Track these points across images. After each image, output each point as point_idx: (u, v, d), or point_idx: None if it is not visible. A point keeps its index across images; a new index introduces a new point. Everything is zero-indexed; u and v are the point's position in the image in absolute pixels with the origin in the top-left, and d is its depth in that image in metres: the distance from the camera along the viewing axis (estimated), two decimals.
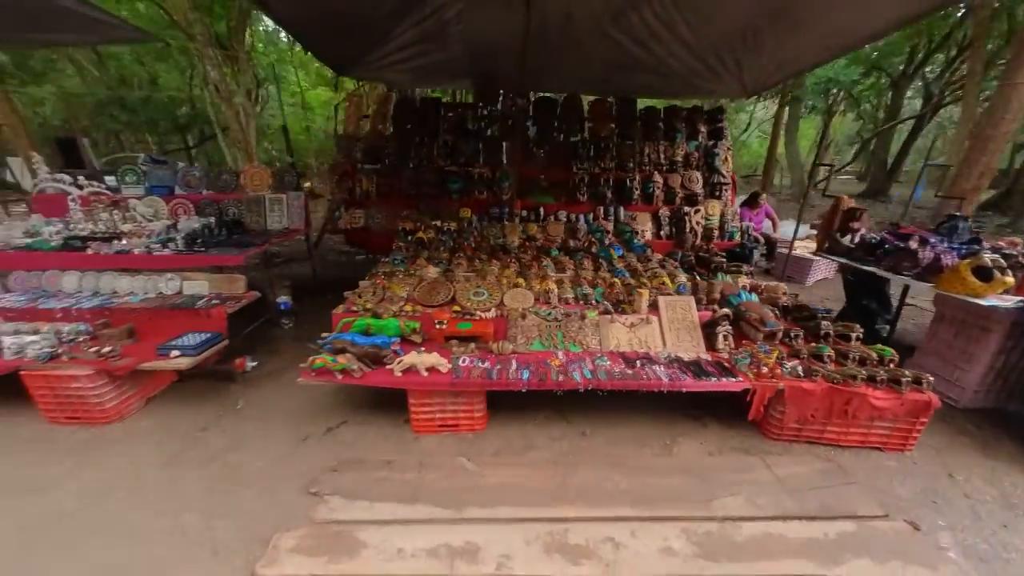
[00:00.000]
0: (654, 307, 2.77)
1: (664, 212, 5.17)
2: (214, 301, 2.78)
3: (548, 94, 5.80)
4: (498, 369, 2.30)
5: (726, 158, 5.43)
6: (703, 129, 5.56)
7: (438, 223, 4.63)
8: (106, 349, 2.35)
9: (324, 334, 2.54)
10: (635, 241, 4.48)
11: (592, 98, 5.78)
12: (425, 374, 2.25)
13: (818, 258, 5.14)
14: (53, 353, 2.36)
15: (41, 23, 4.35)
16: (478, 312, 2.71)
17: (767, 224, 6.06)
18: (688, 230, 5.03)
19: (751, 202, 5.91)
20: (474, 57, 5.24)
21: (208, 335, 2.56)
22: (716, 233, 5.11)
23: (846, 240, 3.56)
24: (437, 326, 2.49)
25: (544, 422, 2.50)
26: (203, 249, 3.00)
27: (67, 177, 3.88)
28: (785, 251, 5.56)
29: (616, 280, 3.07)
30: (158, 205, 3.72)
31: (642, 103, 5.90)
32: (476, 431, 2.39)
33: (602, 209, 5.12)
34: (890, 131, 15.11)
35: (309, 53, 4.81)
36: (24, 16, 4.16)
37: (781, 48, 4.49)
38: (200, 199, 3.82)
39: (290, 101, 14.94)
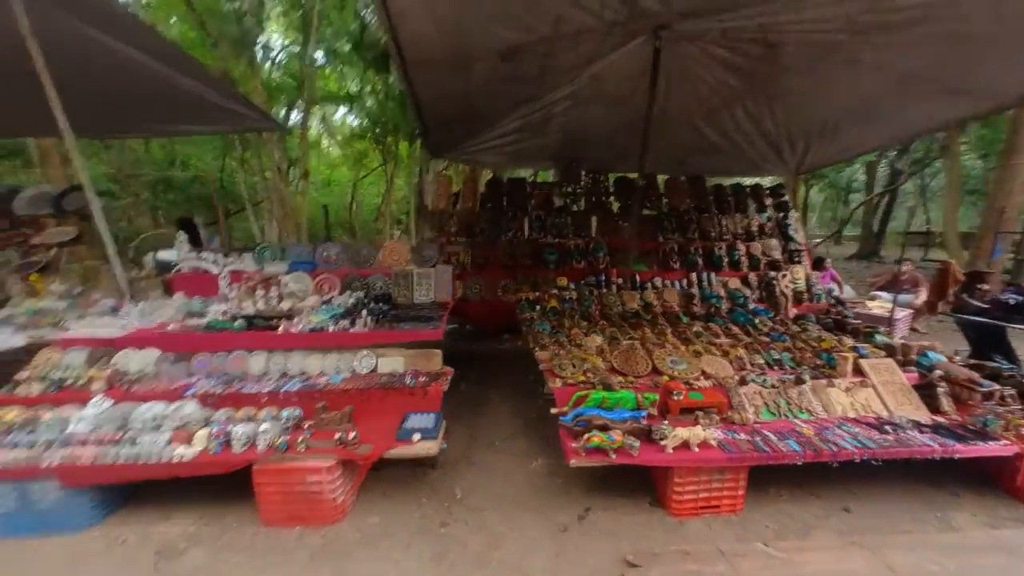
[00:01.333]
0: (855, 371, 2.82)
1: (752, 277, 5.44)
2: (422, 379, 2.67)
3: (626, 174, 6.33)
4: (761, 440, 2.25)
5: (796, 227, 5.91)
6: (769, 202, 6.10)
7: (556, 292, 4.73)
8: (351, 436, 2.19)
9: (556, 409, 2.46)
10: (754, 307, 4.65)
11: (665, 176, 6.34)
12: (696, 449, 2.16)
13: (897, 316, 5.41)
14: (286, 443, 2.18)
15: (190, 116, 4.66)
16: (690, 380, 2.69)
17: (833, 287, 6.42)
18: (779, 293, 5.26)
19: (817, 266, 6.30)
20: (566, 143, 5.80)
21: (434, 415, 2.43)
22: (805, 296, 5.36)
23: (975, 300, 3.81)
24: (675, 397, 2.45)
25: (792, 498, 2.38)
26: (394, 325, 2.96)
27: (210, 255, 3.88)
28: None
29: (810, 345, 3.15)
30: (305, 281, 3.71)
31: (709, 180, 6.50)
32: (737, 512, 2.25)
33: (695, 276, 5.35)
34: (871, 201, 16.78)
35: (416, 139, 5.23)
36: (177, 109, 4.46)
37: (849, 136, 5.17)
38: (345, 274, 3.83)
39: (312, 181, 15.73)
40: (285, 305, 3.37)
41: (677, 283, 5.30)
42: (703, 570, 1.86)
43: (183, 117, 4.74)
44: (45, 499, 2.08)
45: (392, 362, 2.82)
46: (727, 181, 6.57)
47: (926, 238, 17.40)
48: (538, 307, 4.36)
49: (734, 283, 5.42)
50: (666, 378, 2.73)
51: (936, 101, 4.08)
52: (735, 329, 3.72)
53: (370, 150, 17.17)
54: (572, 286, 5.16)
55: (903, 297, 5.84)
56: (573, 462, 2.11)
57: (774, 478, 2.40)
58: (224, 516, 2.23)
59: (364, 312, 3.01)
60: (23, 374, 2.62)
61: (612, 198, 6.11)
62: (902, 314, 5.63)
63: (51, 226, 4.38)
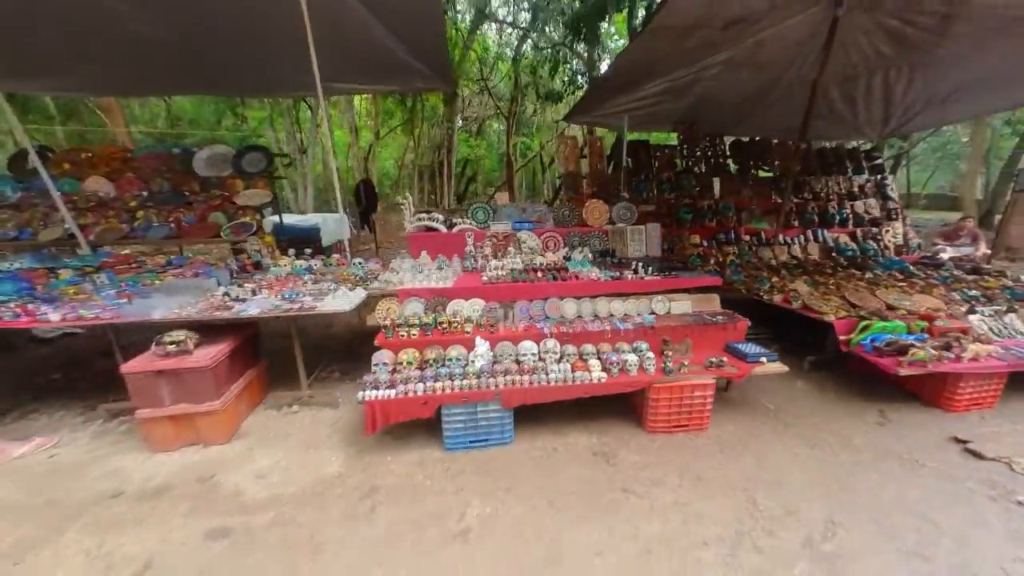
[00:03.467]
0: None
1: (858, 233, 6.08)
2: (719, 317, 3.14)
3: (740, 137, 6.69)
4: (1013, 354, 2.87)
5: (893, 187, 6.54)
6: (866, 165, 6.68)
7: (691, 247, 5.22)
8: (713, 360, 2.66)
9: (844, 336, 3.00)
10: (890, 257, 5.31)
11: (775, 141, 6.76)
12: (982, 360, 2.77)
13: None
14: (662, 367, 2.62)
15: (376, 72, 4.62)
16: (930, 312, 3.29)
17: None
18: (884, 247, 5.95)
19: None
20: (693, 107, 6.07)
21: (755, 344, 2.92)
22: (904, 249, 6.08)
23: None
24: (940, 323, 3.04)
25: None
26: (675, 274, 3.38)
27: (439, 216, 4.09)
28: None
29: (981, 285, 3.80)
30: (535, 239, 4.01)
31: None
32: (993, 407, 2.91)
33: (811, 232, 5.94)
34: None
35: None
36: (365, 65, 4.43)
37: (959, 105, 5.71)
38: (567, 232, 4.15)
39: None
40: (543, 260, 3.69)
41: (796, 239, 5.88)
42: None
43: (367, 73, 4.67)
44: (488, 418, 2.47)
45: (681, 305, 3.25)
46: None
47: (952, 201, 18.13)
48: (711, 261, 4.83)
49: (843, 238, 6.06)
50: (902, 311, 3.31)
51: None
52: (898, 275, 4.35)
53: (395, 108, 16.57)
54: (704, 243, 5.65)
55: (965, 249, 6.69)
56: (901, 371, 2.67)
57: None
58: (609, 430, 2.69)
59: (639, 264, 3.40)
60: (377, 321, 2.90)
61: (730, 161, 6.50)
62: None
63: (240, 188, 4.39)
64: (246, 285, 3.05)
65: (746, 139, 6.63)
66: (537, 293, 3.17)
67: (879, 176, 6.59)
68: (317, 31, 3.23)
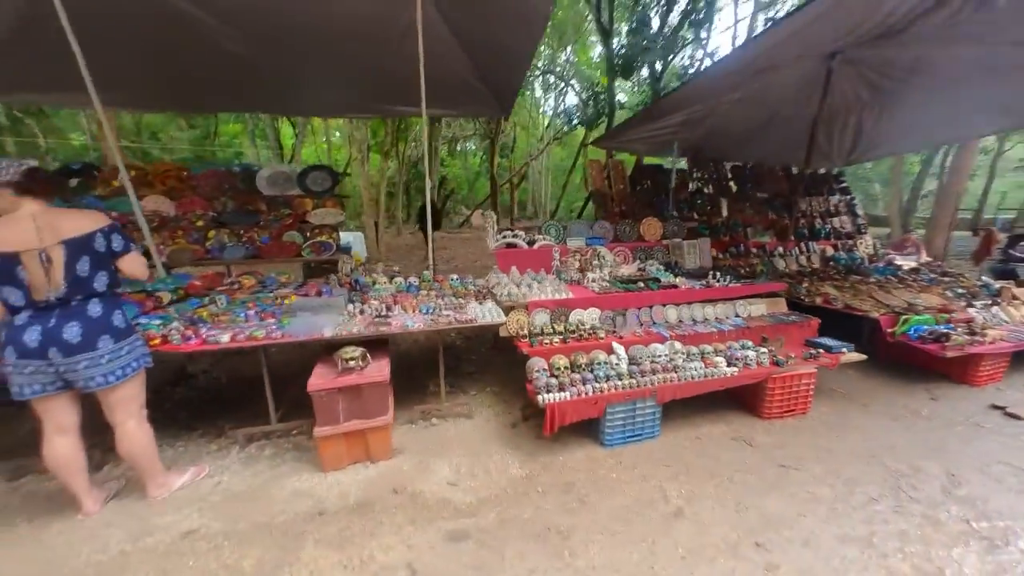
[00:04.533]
0: None
1: (839, 245, 7.11)
2: (792, 317, 3.65)
3: (738, 163, 7.58)
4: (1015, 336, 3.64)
5: (859, 206, 7.73)
6: (835, 187, 7.84)
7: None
8: (811, 352, 3.13)
9: (890, 329, 3.62)
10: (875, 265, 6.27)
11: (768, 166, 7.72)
12: (997, 342, 3.48)
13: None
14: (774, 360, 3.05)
15: (443, 99, 4.80)
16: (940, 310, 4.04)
17: None
18: (861, 256, 7.00)
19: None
20: (702, 137, 6.85)
21: (830, 339, 3.45)
22: (875, 258, 7.17)
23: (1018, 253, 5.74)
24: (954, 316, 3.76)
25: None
26: (747, 281, 3.87)
27: (522, 233, 4.32)
28: None
29: (961, 283, 4.69)
30: (608, 253, 4.37)
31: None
32: (999, 381, 3.64)
33: (803, 245, 6.86)
34: None
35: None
36: (435, 91, 4.61)
37: (913, 138, 6.96)
38: (634, 246, 4.56)
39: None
40: (627, 271, 4.05)
41: (793, 250, 6.76)
42: None
43: (437, 99, 4.82)
44: (644, 414, 2.73)
45: (758, 308, 3.74)
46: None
47: (872, 219, 21.13)
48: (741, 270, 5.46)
49: (828, 250, 7.05)
50: (920, 307, 4.04)
51: (987, 115, 5.90)
52: (893, 279, 5.21)
53: (378, 126, 16.48)
54: (720, 255, 6.35)
55: (910, 258, 8.07)
56: (949, 354, 3.30)
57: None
58: (730, 419, 3.04)
59: (716, 273, 3.86)
60: (510, 331, 3.07)
61: (731, 182, 7.35)
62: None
63: (310, 207, 4.36)
64: (372, 303, 3.09)
65: (743, 164, 7.55)
66: (643, 301, 3.51)
67: (849, 197, 7.76)
68: (403, 61, 3.41)
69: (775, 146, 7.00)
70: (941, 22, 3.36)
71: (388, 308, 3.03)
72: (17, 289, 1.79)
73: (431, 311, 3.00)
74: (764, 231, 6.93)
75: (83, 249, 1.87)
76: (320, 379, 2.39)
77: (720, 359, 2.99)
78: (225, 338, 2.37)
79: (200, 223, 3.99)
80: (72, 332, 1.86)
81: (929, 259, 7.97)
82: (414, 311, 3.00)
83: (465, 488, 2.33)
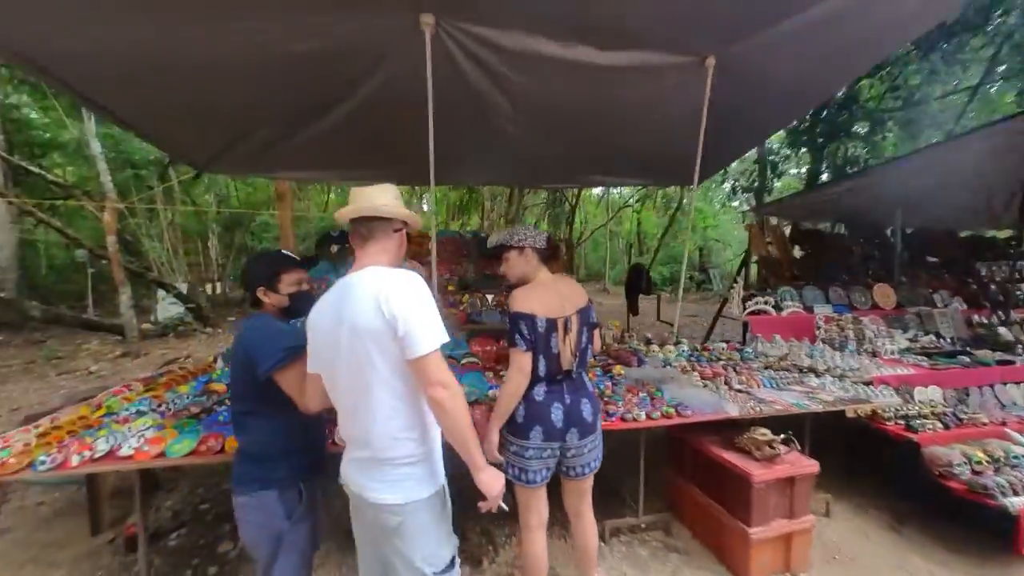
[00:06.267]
0: None
1: None
2: None
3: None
4: None
5: None
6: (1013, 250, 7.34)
7: None
8: None
9: None
10: None
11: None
12: None
13: None
14: None
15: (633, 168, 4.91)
16: None
17: None
18: None
19: None
20: (873, 202, 6.69)
21: None
22: None
23: None
24: None
25: None
26: None
27: (770, 299, 4.09)
28: None
29: None
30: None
31: None
32: None
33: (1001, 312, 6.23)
34: None
35: None
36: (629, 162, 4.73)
37: None
38: (884, 315, 4.21)
39: None
40: (893, 345, 3.67)
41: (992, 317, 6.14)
42: None
43: (627, 169, 5.00)
44: None
45: None
46: None
47: None
48: None
49: None
50: None
51: None
52: None
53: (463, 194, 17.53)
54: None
55: None
56: None
57: None
58: None
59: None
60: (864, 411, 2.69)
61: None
62: None
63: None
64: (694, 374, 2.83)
65: (910, 230, 7.27)
66: (982, 378, 3.08)
67: None
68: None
69: (944, 210, 6.73)
70: None
71: (726, 380, 2.76)
72: (544, 359, 1.66)
73: (775, 384, 2.71)
74: (951, 297, 6.41)
75: (585, 320, 1.77)
76: (751, 466, 2.07)
77: None
78: (641, 415, 2.13)
79: (451, 287, 4.02)
80: (587, 410, 1.68)
81: None
82: (758, 385, 2.71)
83: None
